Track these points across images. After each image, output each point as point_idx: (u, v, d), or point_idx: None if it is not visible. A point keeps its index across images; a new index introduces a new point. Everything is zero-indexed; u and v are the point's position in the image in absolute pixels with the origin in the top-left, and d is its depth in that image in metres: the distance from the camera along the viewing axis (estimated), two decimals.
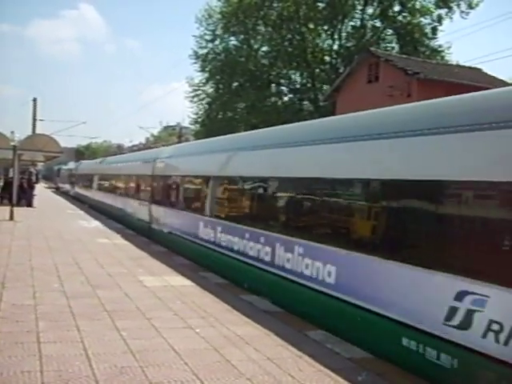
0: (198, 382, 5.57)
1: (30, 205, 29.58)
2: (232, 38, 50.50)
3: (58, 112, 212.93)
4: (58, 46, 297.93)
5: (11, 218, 21.98)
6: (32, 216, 24.17)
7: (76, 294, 9.34)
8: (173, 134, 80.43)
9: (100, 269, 12.03)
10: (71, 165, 52.88)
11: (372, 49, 34.63)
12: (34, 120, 49.82)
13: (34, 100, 50.30)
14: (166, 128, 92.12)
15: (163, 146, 28.97)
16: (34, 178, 33.53)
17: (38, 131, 45.58)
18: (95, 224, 22.49)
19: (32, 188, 31.01)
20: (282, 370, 6.06)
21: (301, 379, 5.81)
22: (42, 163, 51.13)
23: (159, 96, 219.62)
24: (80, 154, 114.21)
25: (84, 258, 13.24)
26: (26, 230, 18.89)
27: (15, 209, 22.79)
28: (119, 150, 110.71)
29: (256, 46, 50.32)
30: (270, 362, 6.29)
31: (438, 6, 45.08)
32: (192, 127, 59.11)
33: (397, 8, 46.50)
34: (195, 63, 51.07)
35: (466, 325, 5.63)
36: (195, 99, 52.43)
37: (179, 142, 49.68)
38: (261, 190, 11.37)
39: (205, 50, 50.63)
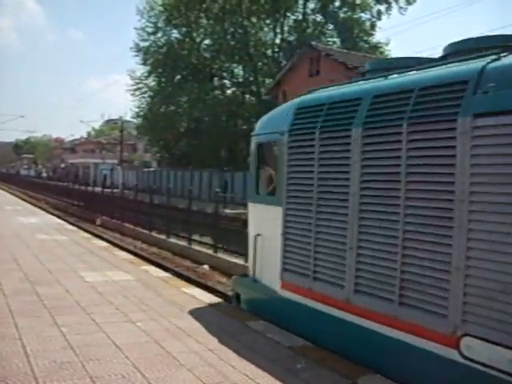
0: (139, 375, 5.59)
1: None
2: (174, 31, 50.19)
3: None
4: None
5: None
6: None
7: (14, 290, 9.16)
8: (115, 128, 79.15)
9: (40, 265, 11.81)
10: None
11: (313, 43, 35.04)
12: None
13: None
14: (108, 122, 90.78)
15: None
16: None
17: None
18: (34, 220, 22.01)
19: None
20: (223, 360, 6.14)
21: (242, 369, 5.90)
22: None
23: (100, 88, 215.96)
24: (19, 148, 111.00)
25: (23, 255, 12.98)
26: None
27: None
28: (60, 144, 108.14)
29: (198, 40, 50.14)
30: (211, 353, 6.36)
31: (377, 2, 46.07)
32: (134, 121, 58.42)
33: (337, 3, 47.22)
34: (137, 56, 50.48)
35: None
36: (137, 93, 51.85)
37: (122, 135, 49.02)
38: None
39: (147, 43, 50.12)
